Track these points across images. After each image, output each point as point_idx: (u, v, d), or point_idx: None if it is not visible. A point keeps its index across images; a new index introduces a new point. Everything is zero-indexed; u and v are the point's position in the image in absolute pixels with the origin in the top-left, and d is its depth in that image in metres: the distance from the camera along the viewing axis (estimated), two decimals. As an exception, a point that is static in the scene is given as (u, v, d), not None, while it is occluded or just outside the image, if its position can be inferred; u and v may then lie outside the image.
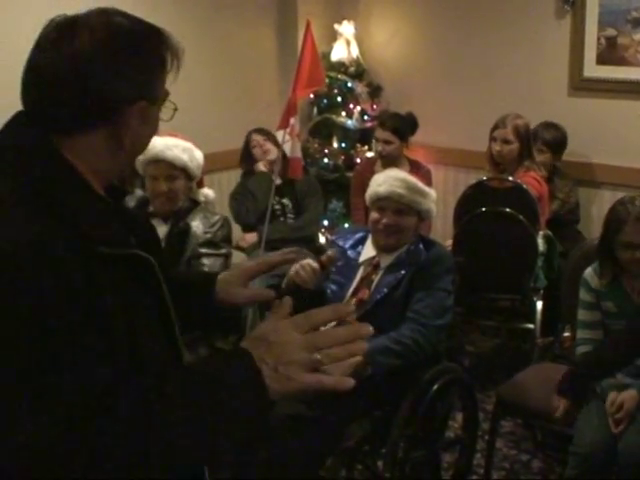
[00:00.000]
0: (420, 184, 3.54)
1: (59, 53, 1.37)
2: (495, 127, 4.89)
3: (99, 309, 1.29)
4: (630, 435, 3.07)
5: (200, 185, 4.33)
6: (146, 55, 1.44)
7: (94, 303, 1.28)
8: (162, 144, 3.83)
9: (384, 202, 3.50)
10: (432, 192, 3.61)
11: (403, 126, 5.22)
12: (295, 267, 3.40)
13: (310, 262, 3.44)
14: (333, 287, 3.55)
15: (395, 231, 3.49)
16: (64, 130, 1.40)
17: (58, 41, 1.38)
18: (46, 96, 1.39)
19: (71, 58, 1.37)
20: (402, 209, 3.47)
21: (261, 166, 5.12)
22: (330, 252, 3.50)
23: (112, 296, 1.32)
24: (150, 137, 1.54)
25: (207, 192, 4.15)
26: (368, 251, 3.58)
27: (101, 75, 1.38)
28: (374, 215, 3.55)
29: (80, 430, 1.18)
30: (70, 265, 1.27)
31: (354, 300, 3.46)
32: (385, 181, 3.55)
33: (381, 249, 3.55)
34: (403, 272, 3.41)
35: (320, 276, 3.44)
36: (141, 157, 3.86)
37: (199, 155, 3.92)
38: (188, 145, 3.87)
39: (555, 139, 5.07)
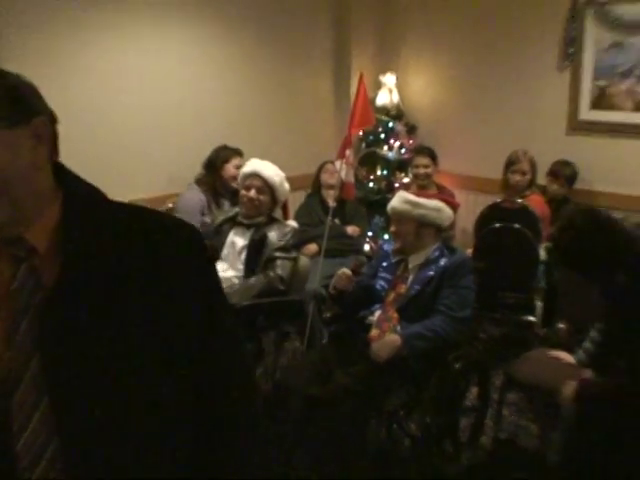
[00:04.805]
0: (412, 197, 3.54)
1: None
2: (512, 162, 4.90)
3: None
4: None
5: (286, 217, 4.45)
6: None
7: None
8: (263, 164, 4.00)
9: (391, 215, 3.60)
10: (430, 202, 3.53)
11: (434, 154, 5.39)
12: (335, 278, 3.56)
13: (345, 271, 3.58)
14: (382, 283, 3.59)
15: (396, 235, 3.56)
16: None
17: None
18: None
19: None
20: (398, 217, 3.54)
21: (330, 199, 5.08)
22: (356, 260, 3.63)
23: None
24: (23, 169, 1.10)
25: (291, 223, 4.25)
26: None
27: None
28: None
29: None
30: None
31: (393, 294, 3.51)
32: (392, 200, 3.64)
33: (396, 252, 3.60)
34: (431, 273, 3.43)
35: (354, 279, 3.58)
36: (245, 170, 4.02)
37: (287, 186, 4.05)
38: (281, 174, 4.01)
39: (572, 175, 5.01)
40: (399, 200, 3.56)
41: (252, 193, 3.95)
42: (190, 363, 1.23)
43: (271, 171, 3.98)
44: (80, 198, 1.19)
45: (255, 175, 3.96)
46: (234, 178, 4.53)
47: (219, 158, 4.71)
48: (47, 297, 1.12)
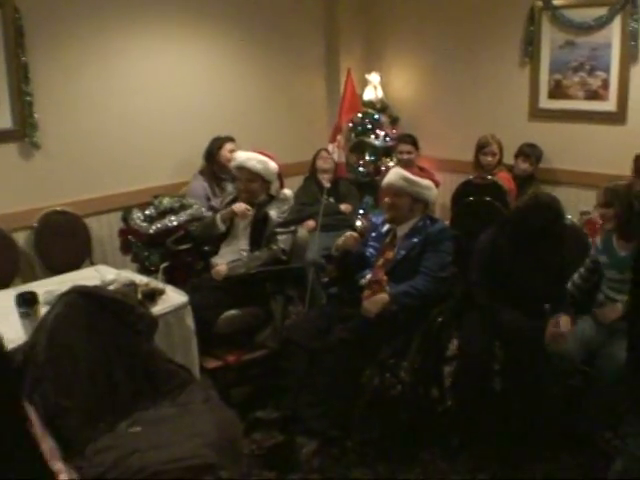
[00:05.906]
0: (409, 174, 3.44)
1: None
2: (483, 146, 4.87)
3: None
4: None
5: (282, 186, 4.36)
6: None
7: None
8: (245, 157, 3.90)
9: (386, 189, 3.48)
10: (423, 181, 3.46)
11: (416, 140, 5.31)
12: (342, 238, 3.43)
13: (352, 233, 3.46)
14: (371, 250, 3.51)
15: (391, 208, 3.43)
16: None
17: None
18: None
19: None
20: (395, 192, 3.41)
21: (325, 182, 5.04)
22: (362, 225, 3.50)
23: None
24: None
25: (286, 192, 4.15)
26: (388, 225, 3.53)
27: None
28: (383, 198, 3.55)
29: None
30: None
31: (382, 259, 3.42)
32: (388, 175, 3.53)
33: (388, 222, 3.49)
34: (415, 240, 3.36)
35: (360, 241, 3.46)
36: (232, 165, 3.95)
37: (273, 166, 3.94)
38: (263, 158, 3.90)
39: (539, 155, 4.97)
40: (396, 176, 3.44)
41: (243, 185, 3.90)
42: None
43: (253, 161, 3.87)
44: None
45: (241, 168, 3.89)
46: (230, 160, 4.42)
47: (214, 146, 4.72)
48: None
